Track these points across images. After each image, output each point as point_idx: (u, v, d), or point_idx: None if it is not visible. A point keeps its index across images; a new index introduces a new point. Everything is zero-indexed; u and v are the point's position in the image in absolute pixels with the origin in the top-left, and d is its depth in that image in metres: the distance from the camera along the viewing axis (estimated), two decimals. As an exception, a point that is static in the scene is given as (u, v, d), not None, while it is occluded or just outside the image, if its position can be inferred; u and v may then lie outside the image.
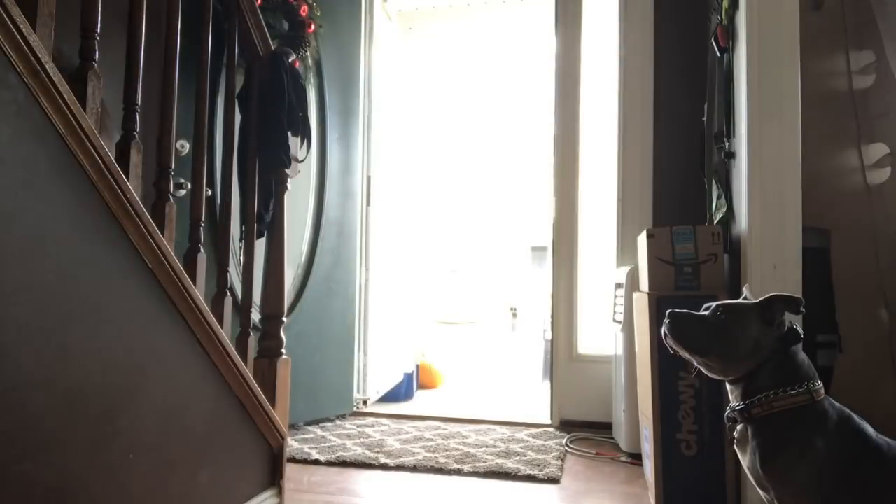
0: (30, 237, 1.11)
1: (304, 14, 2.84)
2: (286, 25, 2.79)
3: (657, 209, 3.03)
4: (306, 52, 2.88)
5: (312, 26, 2.87)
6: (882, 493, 1.20)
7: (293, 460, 2.47)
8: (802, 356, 1.32)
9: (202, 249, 1.71)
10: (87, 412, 1.25)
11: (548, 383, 3.36)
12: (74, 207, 1.21)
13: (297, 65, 2.75)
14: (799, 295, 1.86)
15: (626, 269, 2.63)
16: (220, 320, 1.72)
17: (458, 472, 2.39)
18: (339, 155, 3.31)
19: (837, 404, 1.28)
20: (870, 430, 1.24)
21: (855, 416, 1.26)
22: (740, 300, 1.41)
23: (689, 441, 1.96)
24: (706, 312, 1.38)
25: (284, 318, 2.15)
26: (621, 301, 2.64)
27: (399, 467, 2.44)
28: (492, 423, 3.21)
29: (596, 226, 3.25)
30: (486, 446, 2.73)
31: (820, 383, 1.29)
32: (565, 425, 3.11)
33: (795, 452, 1.25)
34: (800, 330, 1.34)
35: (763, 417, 1.28)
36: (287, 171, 2.14)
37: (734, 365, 1.33)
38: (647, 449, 2.12)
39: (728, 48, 2.22)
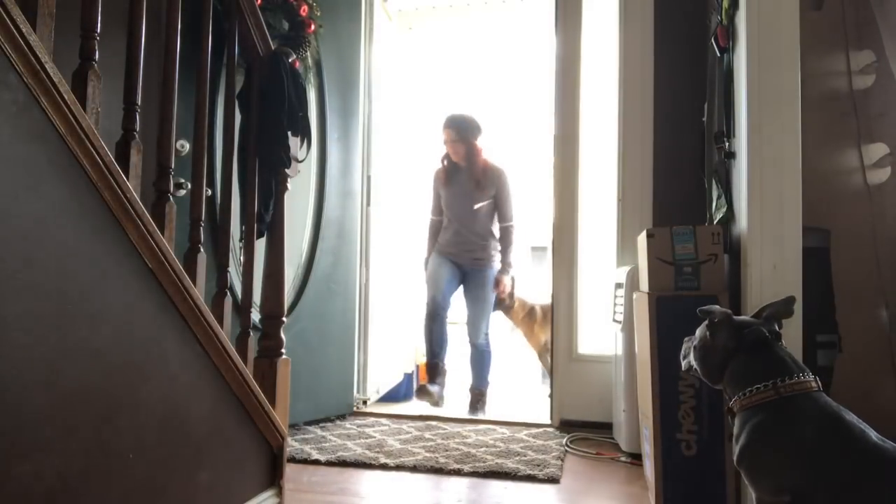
0: (30, 237, 1.11)
1: (304, 14, 2.83)
2: (286, 25, 2.79)
3: (657, 209, 3.02)
4: (306, 52, 2.88)
5: (312, 26, 2.87)
6: (863, 493, 1.19)
7: (293, 460, 2.47)
8: (771, 355, 1.36)
9: (202, 249, 1.71)
10: (87, 412, 1.25)
11: (548, 383, 3.36)
12: (74, 207, 1.21)
13: (298, 65, 2.75)
14: (796, 297, 1.86)
15: (626, 269, 2.63)
16: (220, 320, 1.72)
17: (458, 472, 2.39)
18: (339, 155, 3.31)
19: (822, 401, 1.28)
20: (857, 428, 1.22)
21: (844, 415, 1.25)
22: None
23: (689, 441, 1.96)
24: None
25: (284, 318, 2.15)
26: (621, 301, 2.64)
27: (399, 467, 2.44)
28: (492, 423, 3.21)
29: (596, 226, 3.24)
30: (486, 446, 2.73)
31: (795, 378, 1.30)
32: (565, 425, 3.11)
33: (759, 445, 1.29)
34: (763, 332, 1.38)
35: (739, 414, 1.35)
36: (287, 171, 2.13)
37: (709, 375, 1.48)
38: (647, 449, 2.12)
39: (728, 48, 2.22)
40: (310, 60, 3.02)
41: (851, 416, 1.26)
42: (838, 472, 1.21)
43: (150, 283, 1.42)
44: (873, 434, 1.22)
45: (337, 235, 3.28)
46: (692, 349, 1.53)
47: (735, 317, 1.45)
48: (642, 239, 2.14)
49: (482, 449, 2.68)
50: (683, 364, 1.59)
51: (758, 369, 1.34)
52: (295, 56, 2.69)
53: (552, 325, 3.26)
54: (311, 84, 3.10)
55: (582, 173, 3.24)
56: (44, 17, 1.15)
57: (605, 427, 2.95)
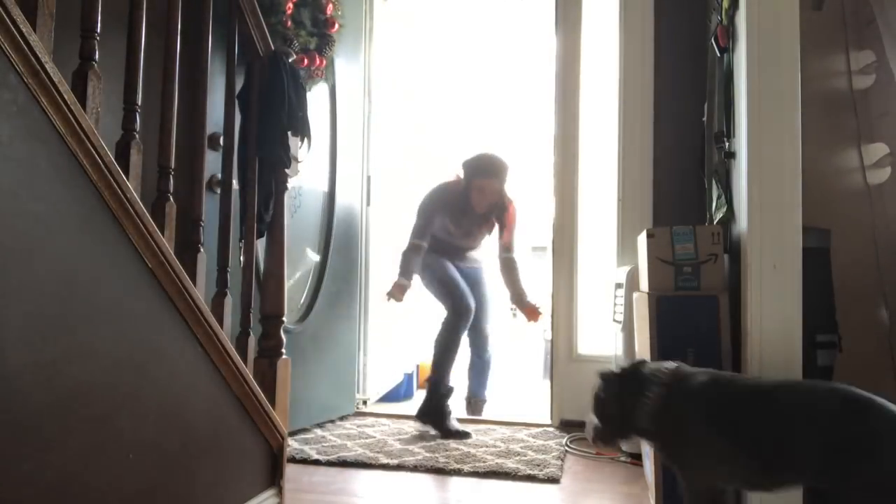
0: (29, 237, 1.11)
1: (329, 12, 2.82)
2: (308, 23, 2.76)
3: (657, 209, 3.02)
4: (331, 50, 2.84)
5: (336, 25, 2.85)
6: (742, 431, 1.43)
7: (293, 460, 2.47)
8: (641, 372, 1.59)
9: (202, 249, 1.71)
10: (87, 412, 1.25)
11: (548, 383, 3.36)
12: (74, 207, 1.21)
13: (323, 63, 2.74)
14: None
15: (626, 269, 2.63)
16: (220, 320, 1.72)
17: (458, 472, 2.39)
18: (339, 154, 3.31)
19: (697, 382, 1.50)
20: (734, 385, 1.50)
21: (709, 383, 1.50)
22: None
23: (689, 441, 1.96)
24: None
25: (284, 318, 2.15)
26: (621, 301, 2.64)
27: (399, 467, 2.44)
28: (492, 422, 3.21)
29: (596, 226, 3.24)
30: (486, 446, 2.73)
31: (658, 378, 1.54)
32: (565, 425, 3.11)
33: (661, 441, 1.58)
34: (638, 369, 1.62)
35: None
36: (287, 171, 2.14)
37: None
38: (647, 449, 2.12)
39: (728, 48, 2.22)
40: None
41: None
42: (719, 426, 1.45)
43: (150, 283, 1.42)
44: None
45: (344, 237, 3.29)
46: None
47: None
48: (642, 239, 2.14)
49: (482, 449, 2.68)
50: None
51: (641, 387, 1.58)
52: (321, 55, 2.70)
53: (552, 325, 3.26)
54: (326, 83, 3.09)
55: (582, 173, 3.24)
56: (44, 17, 1.15)
57: (605, 427, 2.94)
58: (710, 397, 1.48)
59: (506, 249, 3.39)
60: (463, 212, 3.28)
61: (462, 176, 3.28)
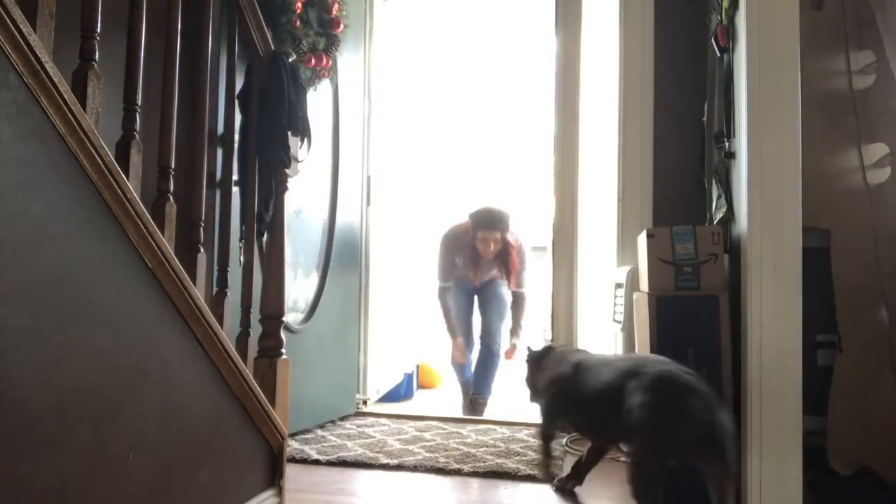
0: (29, 237, 1.11)
1: (334, 13, 2.81)
2: (315, 24, 2.75)
3: (657, 209, 3.02)
4: (336, 50, 2.84)
5: (341, 25, 2.84)
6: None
7: (293, 460, 2.47)
8: (546, 354, 2.27)
9: (202, 249, 1.71)
10: (87, 412, 1.25)
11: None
12: (74, 207, 1.21)
13: (329, 64, 2.74)
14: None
15: (626, 269, 2.63)
16: (220, 320, 1.72)
17: (458, 472, 2.39)
18: (341, 155, 3.31)
19: (566, 364, 2.05)
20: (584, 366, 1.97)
21: (575, 363, 2.01)
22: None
23: (689, 441, 1.97)
24: None
25: (284, 318, 2.15)
26: (621, 301, 2.64)
27: (399, 467, 2.44)
28: (492, 423, 3.21)
29: (596, 226, 3.24)
30: (486, 446, 2.73)
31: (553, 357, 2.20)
32: (565, 425, 3.10)
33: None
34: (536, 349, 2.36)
35: None
36: (287, 171, 2.14)
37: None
38: (647, 449, 2.11)
39: (728, 48, 2.22)
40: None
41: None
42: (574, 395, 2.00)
43: (150, 283, 1.42)
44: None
45: (346, 237, 3.29)
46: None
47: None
48: (642, 239, 2.14)
49: (482, 449, 2.68)
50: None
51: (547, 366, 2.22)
52: (328, 55, 2.70)
53: (552, 325, 3.26)
54: (330, 83, 3.08)
55: (582, 173, 3.24)
56: (44, 17, 1.15)
57: (605, 427, 2.94)
58: (569, 377, 2.00)
59: (515, 286, 3.88)
60: (474, 256, 3.77)
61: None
